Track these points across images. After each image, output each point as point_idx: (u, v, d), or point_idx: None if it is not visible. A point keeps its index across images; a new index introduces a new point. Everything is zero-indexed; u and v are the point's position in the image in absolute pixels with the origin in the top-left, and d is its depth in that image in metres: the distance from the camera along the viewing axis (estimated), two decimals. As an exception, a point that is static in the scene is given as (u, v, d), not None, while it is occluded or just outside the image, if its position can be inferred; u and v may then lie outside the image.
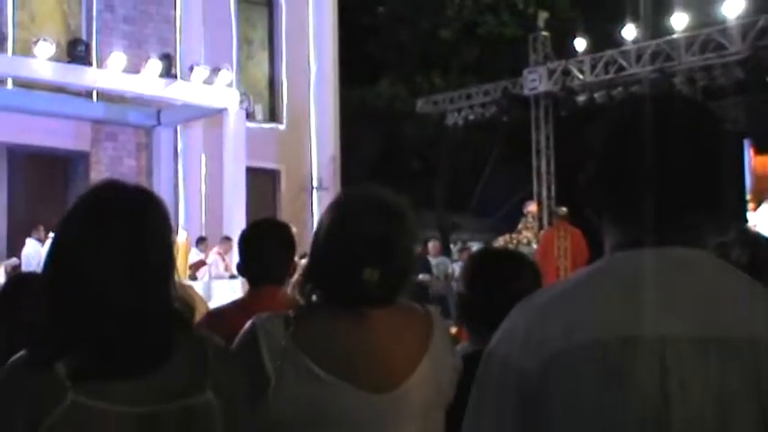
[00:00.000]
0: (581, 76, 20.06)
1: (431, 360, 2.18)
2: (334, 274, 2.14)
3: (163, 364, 1.81)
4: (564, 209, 14.34)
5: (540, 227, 18.98)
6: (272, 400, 2.06)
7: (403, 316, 2.22)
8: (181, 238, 15.50)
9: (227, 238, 15.37)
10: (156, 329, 1.82)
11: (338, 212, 2.19)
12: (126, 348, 1.78)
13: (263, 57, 21.71)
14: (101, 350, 1.76)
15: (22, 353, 1.79)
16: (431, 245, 17.88)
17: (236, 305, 3.39)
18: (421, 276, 13.49)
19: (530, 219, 17.24)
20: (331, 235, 2.16)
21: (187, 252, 15.62)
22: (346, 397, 2.06)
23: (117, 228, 1.81)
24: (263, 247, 3.39)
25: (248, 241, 3.45)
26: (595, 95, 19.59)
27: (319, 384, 2.06)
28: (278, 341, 2.09)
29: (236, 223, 15.35)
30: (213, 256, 15.68)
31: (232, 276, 14.31)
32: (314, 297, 2.19)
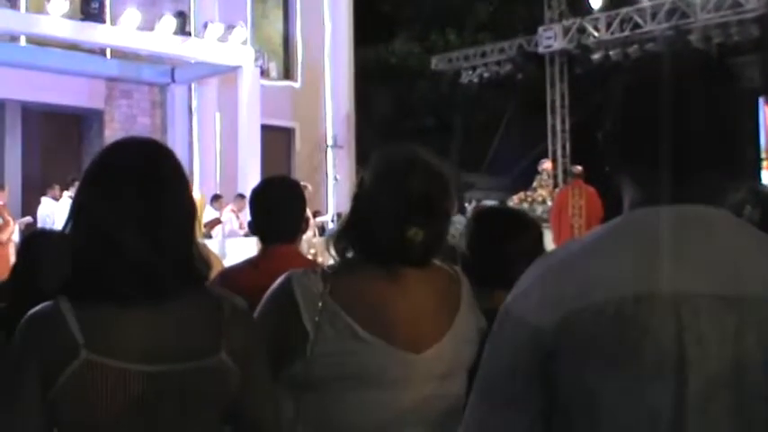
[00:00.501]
0: (596, 34, 19.91)
1: (461, 321, 2.20)
2: (378, 231, 2.13)
3: (178, 297, 1.82)
4: (579, 167, 14.30)
5: (555, 185, 18.94)
6: (310, 356, 2.07)
7: (437, 277, 2.23)
8: (195, 195, 15.56)
9: (242, 196, 15.38)
10: (175, 261, 1.83)
11: (383, 170, 2.17)
12: (145, 272, 1.79)
13: (277, 14, 21.58)
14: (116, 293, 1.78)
15: (39, 306, 1.81)
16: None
17: (248, 263, 3.38)
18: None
19: (544, 176, 17.21)
20: (376, 192, 2.15)
21: (202, 210, 15.68)
22: (383, 355, 2.07)
23: (131, 181, 1.82)
24: (274, 204, 3.37)
25: (259, 199, 3.44)
26: (611, 53, 19.45)
27: (358, 342, 2.07)
28: (316, 297, 2.09)
29: (250, 181, 15.36)
30: (228, 214, 15.72)
31: (246, 234, 14.36)
32: (348, 254, 2.19)
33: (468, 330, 2.21)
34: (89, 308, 1.77)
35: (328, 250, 2.22)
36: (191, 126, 18.76)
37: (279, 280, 2.17)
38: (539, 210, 16.16)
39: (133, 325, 1.78)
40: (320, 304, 2.08)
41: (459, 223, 17.43)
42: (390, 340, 2.08)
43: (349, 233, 2.19)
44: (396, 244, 2.10)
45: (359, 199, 2.18)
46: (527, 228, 2.73)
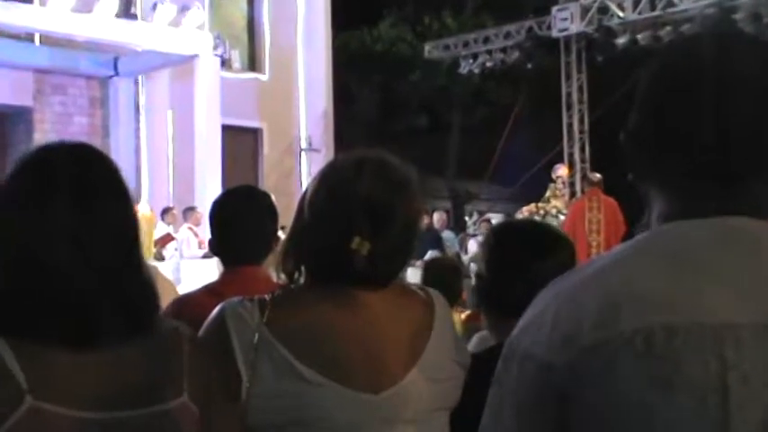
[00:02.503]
0: (621, 14, 19.98)
1: (433, 354, 2.18)
2: (318, 245, 2.14)
3: (135, 339, 1.82)
4: (597, 175, 14.32)
5: (573, 194, 18.98)
6: (245, 402, 2.05)
7: (402, 301, 2.21)
8: (143, 209, 15.50)
9: (192, 209, 15.41)
10: (131, 296, 1.83)
11: (326, 176, 2.19)
12: (97, 313, 1.79)
13: (240, -7, 21.62)
14: (59, 323, 1.77)
15: None
16: (436, 216, 17.89)
17: (207, 290, 3.37)
18: (430, 253, 13.50)
19: (559, 185, 17.25)
20: (315, 200, 2.16)
21: (152, 227, 15.64)
22: (331, 397, 2.05)
23: (61, 192, 1.81)
24: (238, 219, 3.37)
25: (220, 212, 3.43)
26: (639, 37, 19.52)
27: (300, 381, 2.04)
28: (251, 330, 2.08)
29: (209, 192, 15.34)
30: (185, 232, 15.69)
31: (206, 255, 14.33)
32: (298, 276, 2.19)
33: (442, 365, 2.19)
34: (31, 347, 1.76)
35: (277, 273, 2.22)
36: (138, 127, 18.72)
37: (213, 312, 2.17)
38: (553, 223, 16.18)
39: (83, 367, 1.78)
40: (256, 338, 2.07)
41: (449, 240, 17.23)
42: (341, 379, 2.06)
43: (291, 250, 2.20)
44: (338, 258, 2.09)
45: (300, 210, 2.20)
46: (559, 244, 2.71)
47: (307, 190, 2.21)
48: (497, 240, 2.75)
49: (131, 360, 1.82)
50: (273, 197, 3.63)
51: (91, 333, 1.79)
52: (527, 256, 2.62)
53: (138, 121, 18.75)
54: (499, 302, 2.54)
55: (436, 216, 17.99)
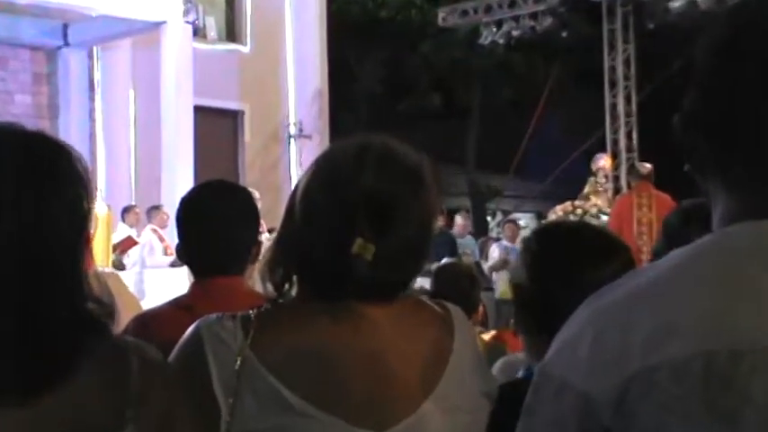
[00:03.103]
0: (676, -29, 19.97)
1: (451, 382, 2.16)
2: (312, 250, 2.13)
3: (62, 384, 1.80)
4: (647, 166, 14.30)
5: (617, 191, 18.95)
6: None
7: (411, 316, 2.20)
8: (100, 209, 15.50)
9: (156, 208, 15.42)
10: (52, 336, 1.80)
11: (321, 167, 2.18)
12: (7, 363, 1.77)
13: (216, -53, 21.66)
14: None
15: None
16: (459, 220, 17.90)
17: (176, 304, 3.37)
18: (445, 260, 13.50)
19: (601, 178, 17.23)
20: (309, 196, 2.15)
21: (109, 228, 15.65)
22: None
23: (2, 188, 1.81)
24: (212, 220, 3.37)
25: (191, 212, 3.43)
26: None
27: (291, 416, 2.03)
28: (233, 354, 2.06)
29: (179, 187, 15.34)
30: (148, 235, 15.71)
31: (174, 263, 14.34)
32: (289, 287, 2.18)
33: (463, 395, 2.17)
34: None
35: (263, 284, 2.22)
36: (92, 108, 18.72)
37: (186, 332, 2.15)
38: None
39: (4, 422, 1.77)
40: (238, 363, 2.06)
41: (467, 247, 17.26)
42: (340, 412, 2.05)
43: (286, 258, 2.19)
44: (337, 265, 2.08)
45: (291, 208, 2.18)
46: (615, 249, 2.71)
47: (298, 184, 2.20)
48: (542, 244, 2.75)
49: (63, 401, 1.80)
50: (256, 193, 3.64)
51: (18, 378, 1.77)
52: (578, 264, 2.61)
53: (92, 100, 18.75)
54: (542, 318, 2.53)
55: (459, 220, 18.00)
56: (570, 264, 2.61)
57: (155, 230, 15.68)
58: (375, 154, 2.14)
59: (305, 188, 2.17)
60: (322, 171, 2.18)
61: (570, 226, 3.21)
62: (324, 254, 2.11)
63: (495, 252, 16.93)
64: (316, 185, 2.16)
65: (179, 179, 16.17)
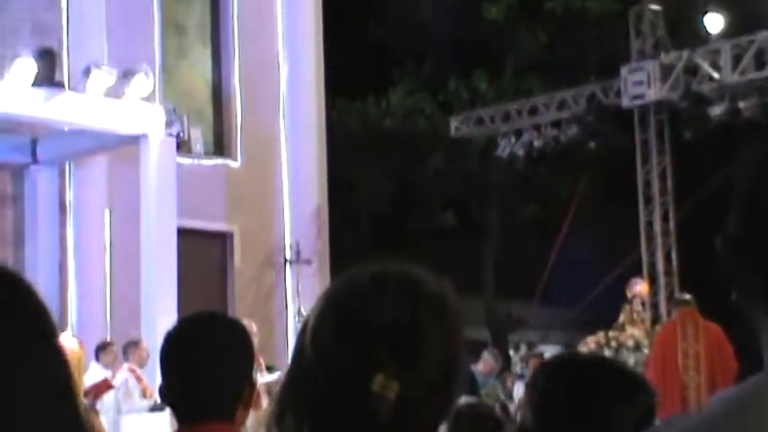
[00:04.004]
0: (716, 75, 20.11)
1: None
2: (326, 392, 2.11)
3: None
4: (687, 296, 14.33)
5: (656, 319, 18.89)
6: None
7: None
8: (69, 343, 15.44)
9: (134, 344, 15.31)
10: None
11: (334, 298, 2.17)
12: None
13: (203, 52, 21.85)
14: None
15: None
16: (486, 356, 17.83)
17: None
18: (464, 399, 13.42)
19: (637, 306, 17.20)
20: (320, 331, 2.14)
21: (81, 367, 15.57)
22: None
23: None
24: (198, 357, 3.37)
25: (175, 349, 3.43)
26: (741, 105, 19.61)
27: None
28: None
29: (160, 320, 15.31)
30: (124, 374, 15.61)
31: (154, 407, 14.24)
32: None
33: None
34: None
35: None
36: (63, 233, 18.75)
37: None
38: (630, 360, 16.10)
39: None
40: None
41: (490, 386, 17.12)
42: None
43: (290, 400, 2.18)
44: (356, 405, 2.05)
45: (300, 346, 2.16)
46: (635, 388, 2.70)
47: (308, 319, 2.19)
48: (550, 380, 2.74)
49: None
50: (253, 326, 3.64)
51: None
52: (591, 404, 2.60)
53: (63, 225, 18.78)
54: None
55: (486, 356, 17.90)
56: (581, 404, 2.60)
57: (132, 370, 15.56)
58: (393, 281, 2.13)
59: (316, 323, 2.15)
60: (335, 303, 2.16)
61: (581, 360, 3.15)
62: (340, 396, 2.08)
63: (519, 390, 16.80)
64: (328, 319, 2.14)
65: (160, 311, 16.13)
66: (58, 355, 1.88)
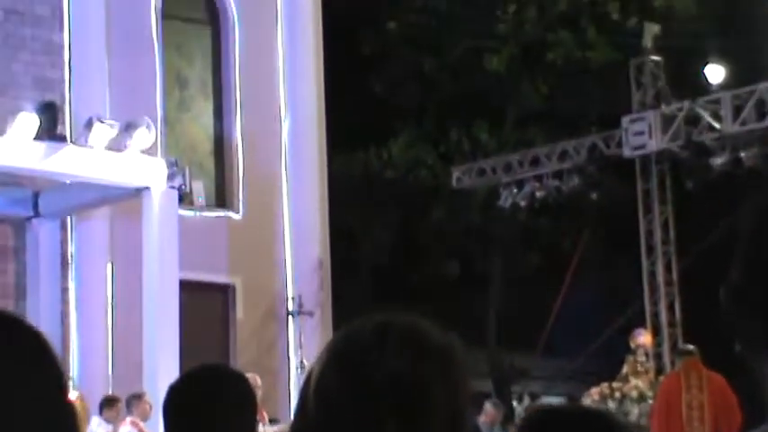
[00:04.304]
0: (717, 125, 20.14)
1: None
2: None
3: None
4: (690, 347, 14.31)
5: (660, 370, 18.85)
6: None
7: None
8: (72, 398, 15.42)
9: (137, 397, 15.24)
10: None
11: (337, 351, 2.16)
12: None
13: (204, 106, 21.89)
14: None
15: None
16: (488, 407, 17.76)
17: None
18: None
19: (641, 356, 17.17)
20: (324, 385, 2.13)
21: (83, 423, 15.52)
22: None
23: None
24: (203, 411, 3.35)
25: (177, 403, 3.43)
26: (742, 155, 19.62)
27: None
28: None
29: (163, 373, 15.27)
30: (127, 428, 15.56)
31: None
32: None
33: None
34: None
35: None
36: (64, 286, 18.73)
37: None
38: (633, 411, 16.04)
39: None
40: None
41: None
42: None
43: None
44: None
45: (303, 401, 2.16)
46: None
47: (311, 372, 2.18)
48: None
49: None
50: (257, 380, 3.63)
51: None
52: None
53: (64, 277, 18.76)
54: None
55: (488, 407, 17.83)
56: None
57: (134, 423, 15.51)
58: (397, 333, 2.12)
59: (319, 376, 2.14)
60: (337, 355, 2.15)
61: (571, 411, 3.11)
62: None
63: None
64: (331, 372, 2.13)
65: (163, 364, 16.08)
66: (71, 412, 1.89)
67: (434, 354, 2.12)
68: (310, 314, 21.30)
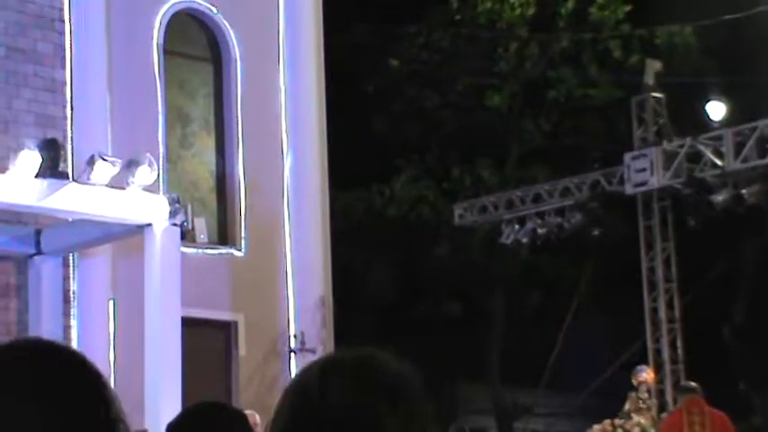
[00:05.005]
0: (719, 162, 20.16)
1: None
2: None
3: None
4: (692, 384, 14.31)
5: (662, 407, 18.82)
6: None
7: None
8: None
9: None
10: None
11: (289, 389, 2.16)
12: None
13: (206, 143, 21.91)
14: None
15: None
16: None
17: None
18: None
19: (643, 393, 17.15)
20: (276, 423, 2.12)
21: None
22: None
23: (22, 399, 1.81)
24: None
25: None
26: (744, 192, 19.62)
27: None
28: None
29: (165, 411, 15.23)
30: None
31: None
32: None
33: None
34: None
35: None
36: (67, 323, 18.71)
37: None
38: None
39: None
40: None
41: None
42: None
43: None
44: None
45: None
46: None
47: (277, 409, 2.17)
48: None
49: None
50: (256, 417, 3.63)
51: None
52: None
53: (66, 315, 18.73)
54: None
55: None
56: None
57: (137, 460, 15.52)
58: (344, 368, 2.09)
59: (275, 416, 2.14)
60: (289, 395, 2.13)
61: None
62: None
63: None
64: (284, 411, 2.12)
65: (164, 401, 16.05)
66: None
67: (383, 387, 2.07)
68: (312, 351, 21.26)
